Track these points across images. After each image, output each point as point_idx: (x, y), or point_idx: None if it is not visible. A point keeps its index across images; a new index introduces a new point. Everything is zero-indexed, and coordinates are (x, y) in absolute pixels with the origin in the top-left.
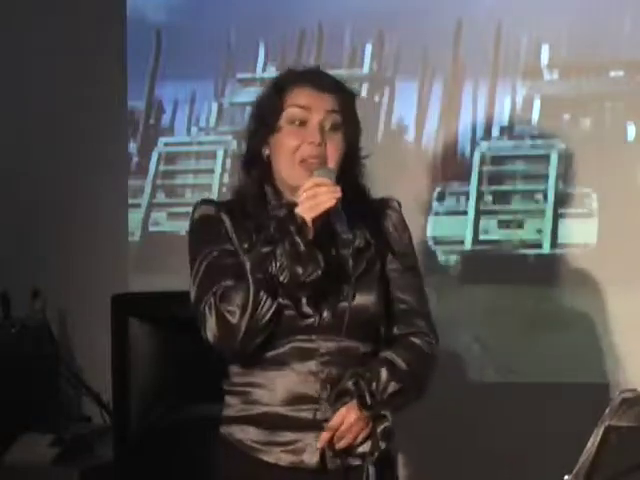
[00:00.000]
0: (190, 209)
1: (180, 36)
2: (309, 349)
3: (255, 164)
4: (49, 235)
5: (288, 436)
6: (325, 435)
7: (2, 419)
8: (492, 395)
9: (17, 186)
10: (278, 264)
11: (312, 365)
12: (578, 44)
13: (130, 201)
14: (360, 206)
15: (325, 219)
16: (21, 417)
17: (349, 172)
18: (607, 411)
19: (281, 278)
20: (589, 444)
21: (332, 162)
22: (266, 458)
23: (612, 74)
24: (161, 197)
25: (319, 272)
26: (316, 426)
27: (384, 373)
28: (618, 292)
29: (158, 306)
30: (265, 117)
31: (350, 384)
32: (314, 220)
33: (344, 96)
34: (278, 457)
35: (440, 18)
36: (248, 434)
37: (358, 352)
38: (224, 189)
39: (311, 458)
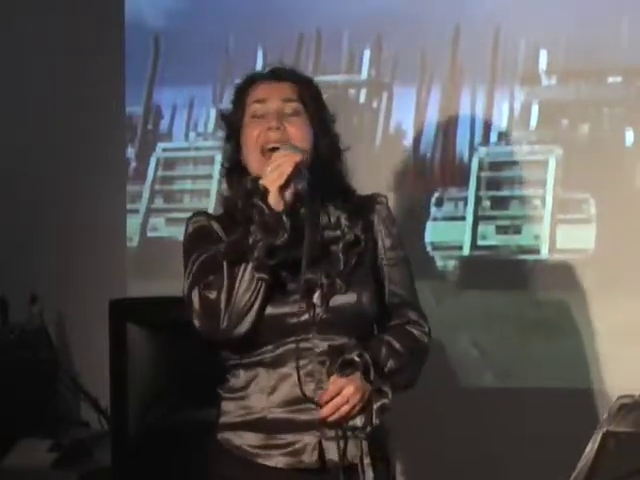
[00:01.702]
0: (188, 214)
1: (178, 41)
2: (305, 349)
3: (234, 171)
4: (47, 241)
5: (287, 438)
6: (325, 410)
7: (1, 424)
8: (490, 399)
9: (16, 192)
10: (252, 238)
11: (309, 366)
12: (576, 50)
13: (128, 206)
14: (347, 200)
15: (300, 202)
16: (19, 422)
17: (329, 164)
18: (605, 417)
19: (256, 253)
20: (587, 449)
21: (297, 142)
22: (265, 462)
23: (610, 80)
24: (159, 202)
25: (286, 236)
26: (314, 426)
27: (384, 350)
28: (616, 298)
29: (156, 311)
30: (233, 122)
31: (355, 355)
32: (281, 190)
33: (301, 83)
34: (277, 460)
35: (438, 24)
36: (246, 439)
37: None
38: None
39: (310, 457)
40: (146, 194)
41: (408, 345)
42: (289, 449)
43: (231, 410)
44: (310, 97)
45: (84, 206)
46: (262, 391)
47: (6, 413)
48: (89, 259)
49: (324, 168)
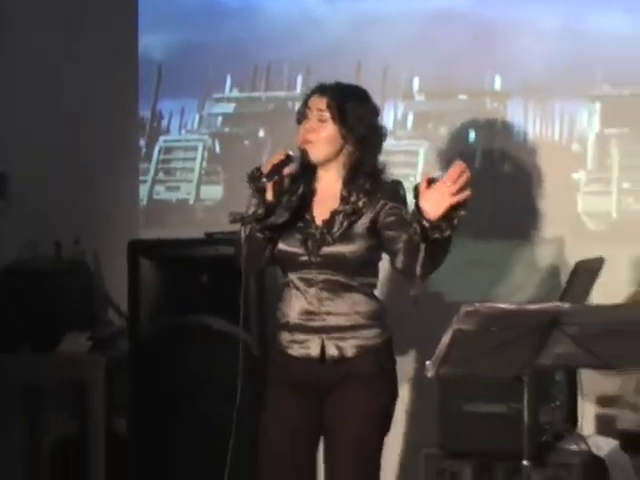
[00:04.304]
0: (180, 184)
1: (174, 69)
2: (310, 279)
3: None
4: (88, 202)
5: (301, 337)
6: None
7: (57, 324)
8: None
9: (68, 170)
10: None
11: (313, 290)
12: (437, 77)
13: (140, 178)
14: (366, 182)
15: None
16: (68, 322)
17: (355, 156)
18: (455, 318)
19: (251, 219)
20: (443, 341)
21: (321, 143)
22: (291, 352)
23: (460, 97)
24: (161, 176)
25: (260, 211)
26: (319, 331)
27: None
28: (464, 240)
29: (160, 249)
30: (299, 122)
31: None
32: (269, 174)
33: (332, 98)
34: (297, 351)
35: (347, 60)
36: (282, 337)
37: (342, 282)
38: (203, 171)
39: (315, 351)
40: (152, 170)
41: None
42: (303, 344)
43: (278, 316)
44: (336, 108)
45: (112, 179)
46: (288, 303)
47: (59, 316)
48: (115, 214)
49: (352, 159)
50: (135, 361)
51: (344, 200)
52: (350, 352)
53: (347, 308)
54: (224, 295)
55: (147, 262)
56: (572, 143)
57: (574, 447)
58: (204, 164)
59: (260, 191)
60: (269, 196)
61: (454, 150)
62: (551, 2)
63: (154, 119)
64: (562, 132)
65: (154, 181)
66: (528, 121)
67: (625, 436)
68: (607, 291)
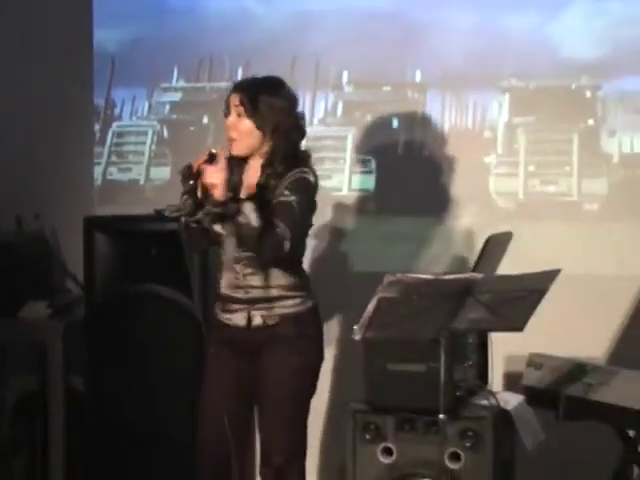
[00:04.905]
0: (131, 166)
1: (126, 61)
2: (237, 256)
3: None
4: (48, 182)
5: (231, 307)
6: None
7: (18, 292)
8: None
9: (30, 157)
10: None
11: (239, 267)
12: (364, 70)
13: (95, 160)
14: (280, 165)
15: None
16: (29, 291)
17: (272, 147)
18: (379, 287)
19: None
20: (368, 307)
21: (240, 137)
22: (221, 319)
23: (384, 89)
24: (114, 158)
25: (191, 206)
26: (245, 302)
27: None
28: (388, 217)
29: (113, 224)
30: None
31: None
32: (196, 175)
33: (243, 94)
34: (227, 318)
35: (282, 55)
36: (217, 304)
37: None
38: (152, 154)
39: (242, 321)
40: (105, 153)
41: (268, 229)
42: (232, 314)
43: (215, 287)
44: (248, 103)
45: (70, 161)
46: (222, 278)
47: (20, 285)
48: (72, 193)
49: (271, 147)
50: (91, 326)
51: (260, 187)
52: (274, 320)
53: (268, 282)
54: (171, 266)
55: (101, 236)
56: (484, 130)
57: (485, 402)
58: (153, 147)
59: (190, 191)
60: (199, 194)
61: (379, 136)
62: (466, 3)
63: (108, 107)
64: (475, 120)
65: (107, 163)
66: (445, 110)
67: (530, 392)
68: (514, 262)
